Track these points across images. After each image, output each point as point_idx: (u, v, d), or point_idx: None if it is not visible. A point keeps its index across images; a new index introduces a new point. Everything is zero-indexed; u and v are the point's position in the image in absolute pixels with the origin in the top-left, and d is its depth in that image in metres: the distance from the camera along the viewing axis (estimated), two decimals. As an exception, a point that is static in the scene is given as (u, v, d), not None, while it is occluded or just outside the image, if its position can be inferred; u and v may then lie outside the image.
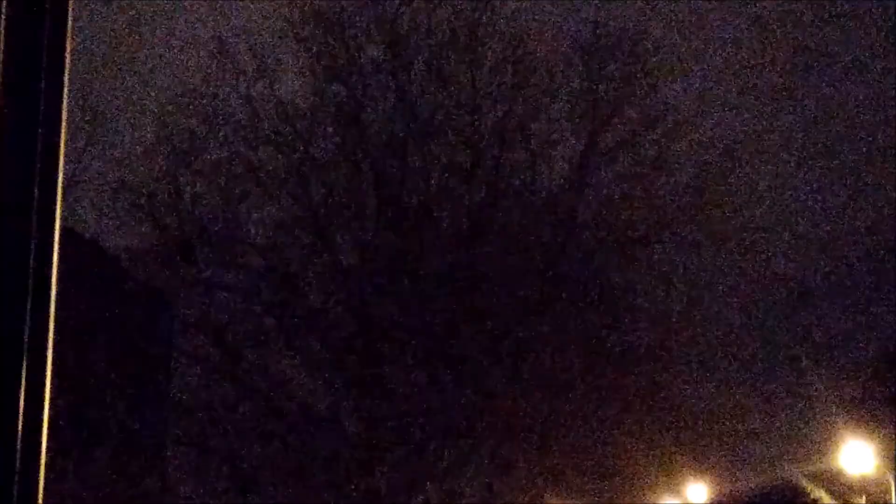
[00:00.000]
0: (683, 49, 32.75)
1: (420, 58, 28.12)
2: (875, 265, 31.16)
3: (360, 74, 28.02)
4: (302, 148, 27.89)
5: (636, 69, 28.20)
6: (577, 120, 28.29)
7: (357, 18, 28.06)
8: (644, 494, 28.37)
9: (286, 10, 27.77)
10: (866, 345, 31.79)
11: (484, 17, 28.07)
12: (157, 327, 27.99)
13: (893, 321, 31.81)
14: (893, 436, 28.63)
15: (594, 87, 28.23)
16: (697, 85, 29.83)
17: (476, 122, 28.17)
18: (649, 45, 28.30)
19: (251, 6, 30.75)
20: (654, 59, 28.25)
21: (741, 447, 28.46)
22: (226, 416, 27.39)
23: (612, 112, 28.27)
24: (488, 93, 28.20)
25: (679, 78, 29.18)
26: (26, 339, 2.37)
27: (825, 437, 28.57)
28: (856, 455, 27.25)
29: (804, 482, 32.09)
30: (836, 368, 30.26)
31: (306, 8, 27.85)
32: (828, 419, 28.63)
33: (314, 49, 27.92)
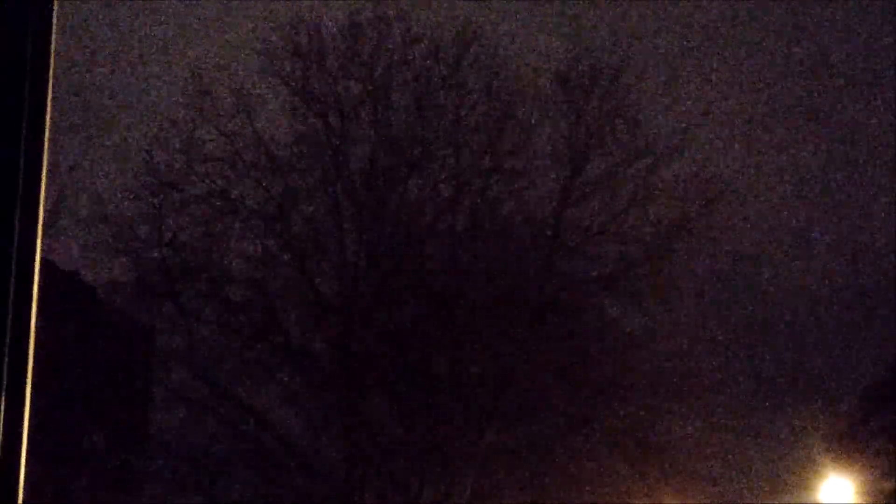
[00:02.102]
0: (668, 81, 32.85)
1: (401, 91, 28.23)
2: (862, 300, 31.27)
3: (340, 108, 28.10)
4: (282, 181, 27.93)
5: (619, 100, 28.33)
6: (560, 151, 28.40)
7: (337, 53, 28.17)
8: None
9: (265, 45, 27.90)
10: (851, 380, 31.87)
11: (466, 50, 28.22)
12: (137, 361, 27.87)
13: (878, 357, 31.90)
14: (874, 472, 28.67)
15: (577, 118, 28.34)
16: (683, 117, 29.87)
17: (458, 155, 28.26)
18: (632, 77, 28.46)
19: (230, 42, 30.84)
20: (638, 91, 28.42)
21: (723, 480, 28.45)
22: (205, 451, 27.25)
23: (595, 144, 28.37)
24: (471, 125, 28.30)
25: (663, 109, 29.34)
26: (5, 373, 2.37)
27: (806, 472, 28.59)
28: (835, 491, 27.27)
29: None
30: (821, 403, 30.32)
31: (285, 43, 27.97)
32: (810, 454, 28.66)
33: (293, 84, 28.02)
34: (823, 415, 29.98)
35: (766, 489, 28.85)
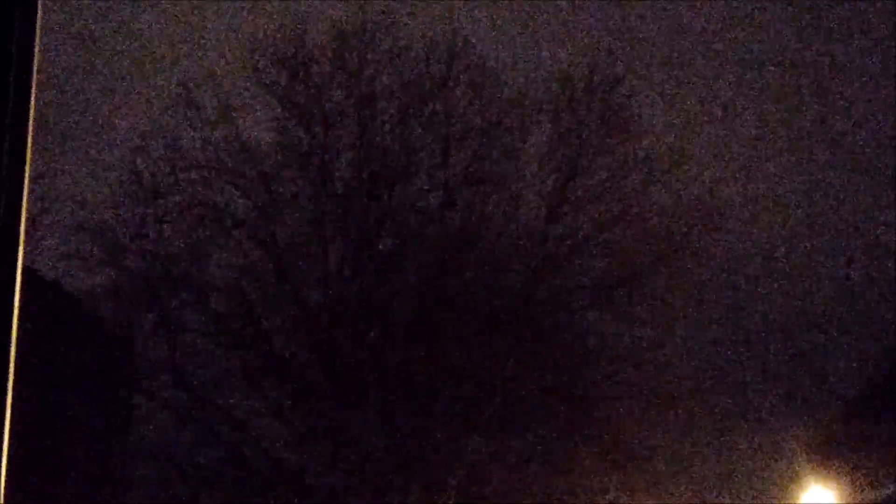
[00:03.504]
0: (663, 92, 32.89)
1: (388, 100, 28.20)
2: (846, 311, 31.38)
3: (325, 117, 28.08)
4: (266, 190, 27.89)
5: (612, 111, 28.33)
6: (551, 161, 28.39)
7: (322, 62, 28.17)
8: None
9: (250, 53, 27.88)
10: (834, 390, 31.99)
11: (455, 58, 28.21)
12: (119, 370, 27.77)
13: (861, 368, 32.02)
14: (856, 482, 28.75)
15: (568, 129, 28.34)
16: (677, 130, 29.85)
17: (446, 163, 28.23)
18: (627, 87, 28.49)
19: (215, 51, 30.81)
20: (631, 105, 28.43)
21: (706, 489, 28.50)
22: (187, 462, 27.17)
23: (587, 154, 28.36)
24: (459, 133, 28.26)
25: (657, 122, 29.35)
26: (-14, 381, 2.36)
27: (788, 481, 28.66)
28: (817, 500, 27.33)
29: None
30: (804, 413, 30.40)
31: (270, 51, 27.95)
32: (792, 463, 28.73)
33: (278, 92, 28.00)
34: (806, 425, 30.07)
35: (749, 498, 28.90)
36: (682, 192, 28.38)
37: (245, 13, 32.26)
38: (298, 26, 28.09)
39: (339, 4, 28.93)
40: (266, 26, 28.42)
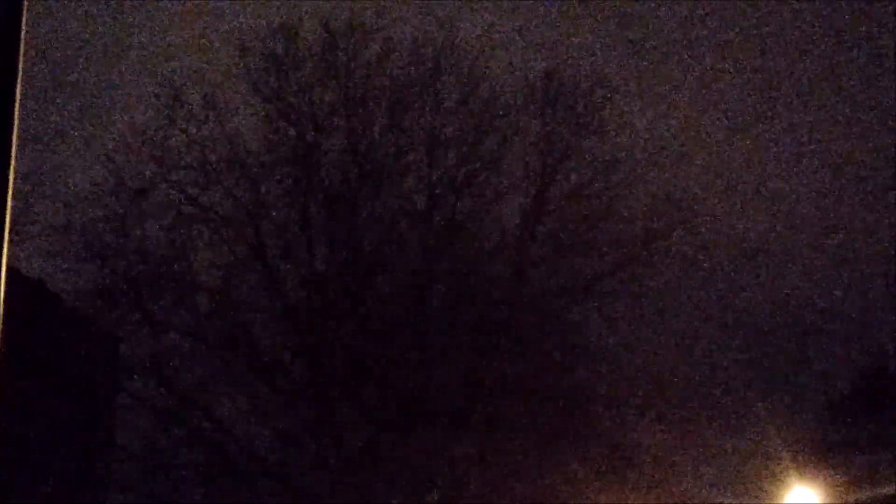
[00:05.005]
0: (640, 96, 33.02)
1: (377, 101, 28.17)
2: (829, 315, 31.49)
3: (314, 117, 28.04)
4: (252, 189, 27.83)
5: (591, 116, 28.42)
6: (533, 164, 28.46)
7: (312, 62, 28.11)
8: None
9: (239, 51, 27.82)
10: (818, 392, 32.10)
11: (443, 62, 28.21)
12: (102, 369, 27.69)
13: (844, 370, 32.14)
14: (839, 482, 28.84)
15: (549, 132, 28.42)
16: (654, 134, 29.95)
17: (433, 166, 28.24)
18: (605, 93, 28.57)
19: (203, 47, 30.79)
20: (611, 108, 28.52)
21: (691, 488, 28.56)
22: (170, 461, 27.10)
23: (566, 158, 28.43)
24: (446, 137, 28.27)
25: (635, 126, 29.46)
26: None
27: (772, 481, 28.74)
28: (801, 500, 27.41)
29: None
30: (788, 414, 30.48)
31: (259, 50, 27.90)
32: (776, 463, 28.80)
33: (266, 91, 27.94)
34: (791, 425, 30.16)
35: (734, 498, 28.98)
36: (663, 192, 28.54)
37: (234, 10, 32.22)
38: (287, 26, 28.04)
39: (327, 5, 28.92)
40: (255, 24, 28.38)
